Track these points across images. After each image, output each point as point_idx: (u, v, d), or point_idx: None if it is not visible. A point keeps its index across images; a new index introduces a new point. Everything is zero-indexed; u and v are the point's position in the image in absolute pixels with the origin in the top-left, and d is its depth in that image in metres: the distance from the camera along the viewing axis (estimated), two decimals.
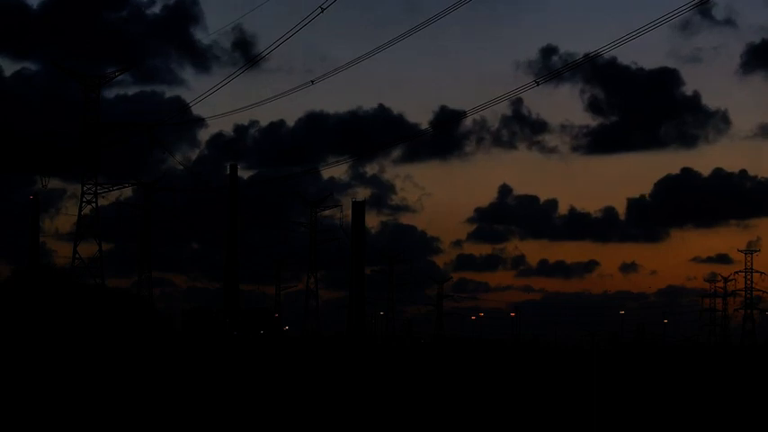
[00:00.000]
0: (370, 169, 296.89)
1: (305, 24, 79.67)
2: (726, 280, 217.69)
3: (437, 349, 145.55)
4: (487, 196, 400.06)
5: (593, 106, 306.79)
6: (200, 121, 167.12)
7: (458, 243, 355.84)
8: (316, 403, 51.19)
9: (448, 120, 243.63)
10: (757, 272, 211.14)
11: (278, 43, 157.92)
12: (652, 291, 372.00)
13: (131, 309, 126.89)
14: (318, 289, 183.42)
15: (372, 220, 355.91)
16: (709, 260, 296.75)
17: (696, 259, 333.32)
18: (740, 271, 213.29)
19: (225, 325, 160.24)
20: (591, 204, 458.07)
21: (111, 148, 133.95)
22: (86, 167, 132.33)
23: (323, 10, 74.19)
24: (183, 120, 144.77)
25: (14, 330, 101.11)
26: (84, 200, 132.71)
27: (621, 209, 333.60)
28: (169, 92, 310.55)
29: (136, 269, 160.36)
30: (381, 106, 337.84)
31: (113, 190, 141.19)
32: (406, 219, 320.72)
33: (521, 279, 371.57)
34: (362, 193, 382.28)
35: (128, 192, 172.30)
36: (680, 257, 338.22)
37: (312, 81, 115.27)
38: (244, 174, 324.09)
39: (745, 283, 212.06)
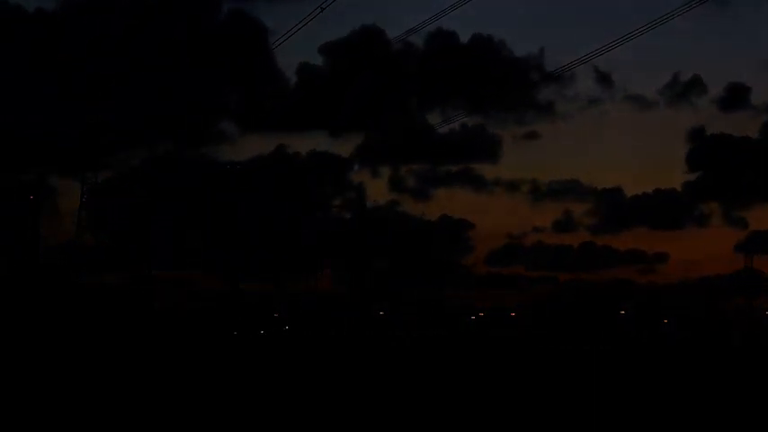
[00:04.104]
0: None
1: (307, 22, 79.90)
2: (726, 279, 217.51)
3: (434, 349, 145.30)
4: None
5: None
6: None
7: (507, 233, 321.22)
8: (312, 403, 51.01)
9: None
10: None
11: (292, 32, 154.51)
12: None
13: (129, 308, 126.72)
14: (317, 288, 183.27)
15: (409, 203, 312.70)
16: None
17: None
18: (740, 270, 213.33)
19: (224, 324, 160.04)
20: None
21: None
22: (86, 164, 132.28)
23: (322, 9, 74.41)
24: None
25: (10, 329, 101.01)
26: (84, 198, 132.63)
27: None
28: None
29: (135, 266, 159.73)
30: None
31: (113, 186, 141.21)
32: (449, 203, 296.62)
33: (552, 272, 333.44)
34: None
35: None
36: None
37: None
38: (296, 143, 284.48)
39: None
